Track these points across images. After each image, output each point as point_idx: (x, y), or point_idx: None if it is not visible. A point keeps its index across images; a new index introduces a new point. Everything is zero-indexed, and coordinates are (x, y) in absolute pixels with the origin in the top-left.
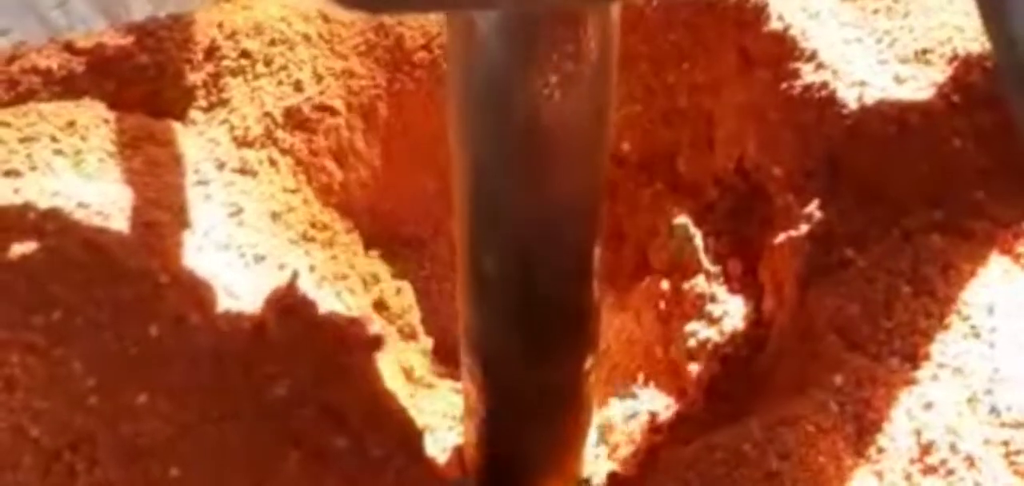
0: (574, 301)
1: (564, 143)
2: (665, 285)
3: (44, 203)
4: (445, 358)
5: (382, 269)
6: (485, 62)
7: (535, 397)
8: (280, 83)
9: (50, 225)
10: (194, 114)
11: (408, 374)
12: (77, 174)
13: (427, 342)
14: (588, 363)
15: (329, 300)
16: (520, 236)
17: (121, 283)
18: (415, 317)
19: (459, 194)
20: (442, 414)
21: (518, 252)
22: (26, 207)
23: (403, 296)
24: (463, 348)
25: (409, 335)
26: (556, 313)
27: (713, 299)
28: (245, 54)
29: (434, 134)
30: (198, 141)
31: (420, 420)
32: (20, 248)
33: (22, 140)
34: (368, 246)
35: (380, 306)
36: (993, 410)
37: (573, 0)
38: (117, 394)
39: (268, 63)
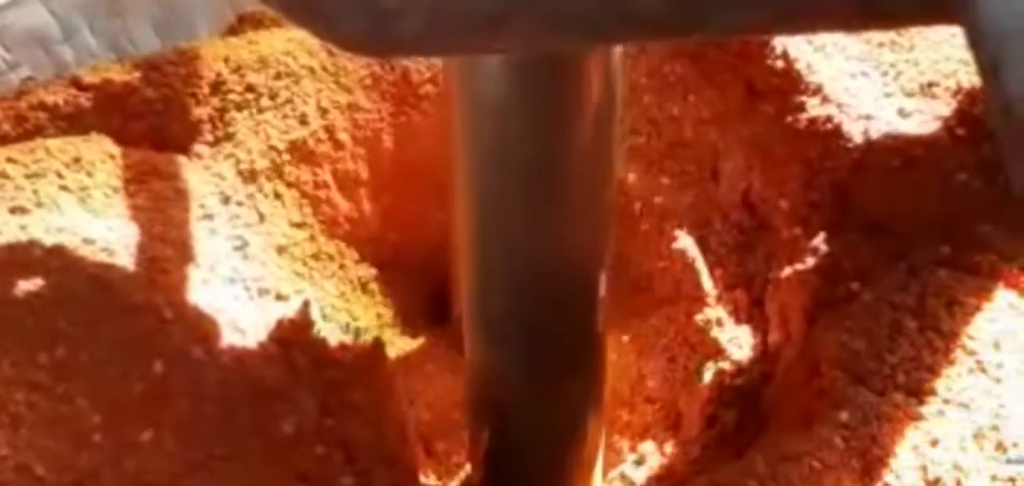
0: (580, 334)
1: (569, 183)
2: (669, 318)
3: (50, 239)
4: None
5: (388, 300)
6: (489, 105)
7: (541, 434)
8: (285, 117)
9: (55, 261)
10: (200, 148)
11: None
12: (83, 210)
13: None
14: (595, 394)
15: (336, 333)
16: (525, 272)
17: (126, 319)
18: (423, 350)
19: (464, 232)
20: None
21: (523, 288)
22: (32, 244)
23: (410, 328)
24: (469, 384)
25: (416, 367)
26: (561, 347)
27: (719, 333)
28: (250, 88)
29: (439, 166)
30: (204, 175)
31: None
32: (26, 285)
33: (28, 176)
34: (375, 278)
35: (388, 339)
36: (999, 446)
37: (572, 44)
38: (122, 431)
39: (273, 97)
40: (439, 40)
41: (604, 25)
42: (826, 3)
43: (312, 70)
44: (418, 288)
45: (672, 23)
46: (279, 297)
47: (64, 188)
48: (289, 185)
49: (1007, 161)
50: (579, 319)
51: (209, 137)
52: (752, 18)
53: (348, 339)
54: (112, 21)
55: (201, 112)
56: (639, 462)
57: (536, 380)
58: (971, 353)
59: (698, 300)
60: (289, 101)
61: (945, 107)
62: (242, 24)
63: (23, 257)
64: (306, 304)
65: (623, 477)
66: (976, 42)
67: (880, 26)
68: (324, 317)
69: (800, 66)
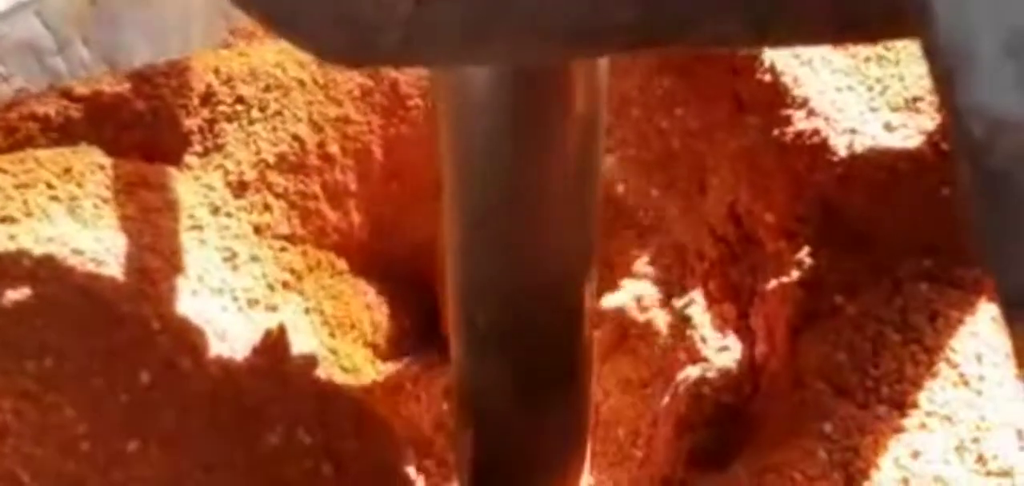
0: (566, 348)
1: (552, 197)
2: (659, 330)
3: (39, 250)
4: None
5: (377, 311)
6: (474, 117)
7: (528, 447)
8: (275, 128)
9: (44, 272)
10: (190, 159)
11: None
12: (73, 220)
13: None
14: (581, 408)
15: (324, 344)
16: (510, 287)
17: (114, 329)
18: (411, 358)
19: (450, 247)
20: None
21: (508, 303)
22: (21, 254)
23: (399, 338)
24: (455, 397)
25: (406, 376)
26: (547, 361)
27: (704, 345)
28: (240, 100)
29: (427, 177)
30: (193, 186)
31: None
32: (14, 294)
33: (18, 186)
34: (363, 289)
35: (376, 349)
36: (980, 458)
37: (550, 56)
38: (108, 441)
39: (263, 108)
40: (418, 52)
41: (581, 37)
42: (801, 15)
43: (302, 83)
44: (407, 299)
45: (649, 34)
46: (268, 308)
47: (54, 198)
48: (278, 196)
49: (959, 169)
50: (565, 332)
51: (199, 148)
52: (728, 30)
53: (335, 349)
54: (105, 33)
55: (191, 123)
56: (623, 473)
57: (521, 392)
58: (954, 366)
59: (684, 312)
60: (279, 113)
61: (929, 122)
62: (233, 37)
63: (12, 267)
64: (293, 315)
65: None
66: (932, 54)
67: (854, 39)
68: (311, 327)
69: (787, 80)
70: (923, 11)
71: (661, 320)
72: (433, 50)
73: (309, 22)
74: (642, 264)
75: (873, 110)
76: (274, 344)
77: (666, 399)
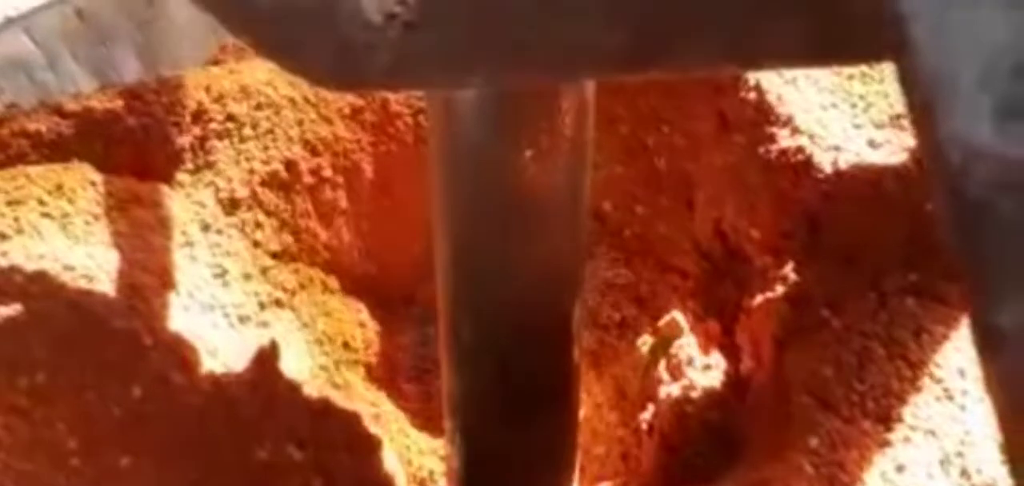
0: (553, 366)
1: (540, 214)
2: (644, 348)
3: (31, 266)
4: (434, 416)
5: (369, 329)
6: (463, 135)
7: (515, 462)
8: (266, 146)
9: (36, 288)
10: (181, 176)
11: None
12: (64, 237)
13: (415, 403)
14: (568, 426)
15: (316, 361)
16: (498, 303)
17: (105, 345)
18: (403, 377)
19: (439, 261)
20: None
21: (496, 319)
22: (12, 270)
23: (390, 356)
24: (445, 412)
25: (398, 395)
26: (534, 378)
27: (691, 362)
28: (231, 117)
29: (419, 195)
30: (184, 203)
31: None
32: (6, 311)
33: (9, 203)
34: (354, 307)
35: (367, 366)
36: (964, 472)
37: (537, 80)
38: (100, 456)
39: (254, 126)
40: (406, 76)
41: (566, 62)
42: (779, 40)
43: (293, 100)
44: (401, 318)
45: (632, 58)
46: (259, 325)
47: (45, 215)
48: (269, 214)
49: (936, 198)
50: (552, 347)
51: (190, 165)
52: (708, 53)
53: (326, 366)
54: (96, 49)
55: (183, 141)
56: None
57: (508, 407)
58: (938, 381)
59: (671, 327)
60: (270, 131)
61: (913, 138)
62: (224, 54)
63: (4, 283)
64: (284, 331)
65: None
66: (910, 83)
67: (832, 63)
68: (303, 345)
69: (771, 98)
70: (903, 41)
71: (645, 339)
72: (422, 74)
73: (299, 46)
74: (627, 282)
75: (857, 127)
76: (265, 360)
77: (649, 418)
